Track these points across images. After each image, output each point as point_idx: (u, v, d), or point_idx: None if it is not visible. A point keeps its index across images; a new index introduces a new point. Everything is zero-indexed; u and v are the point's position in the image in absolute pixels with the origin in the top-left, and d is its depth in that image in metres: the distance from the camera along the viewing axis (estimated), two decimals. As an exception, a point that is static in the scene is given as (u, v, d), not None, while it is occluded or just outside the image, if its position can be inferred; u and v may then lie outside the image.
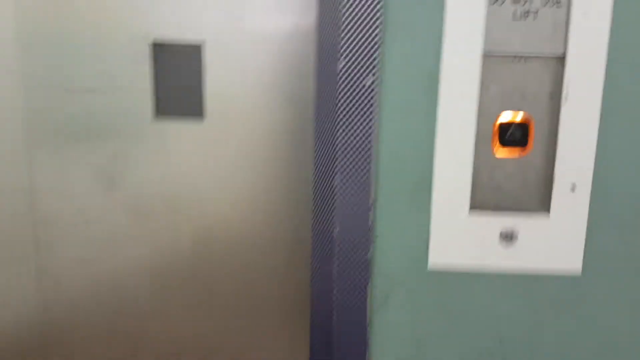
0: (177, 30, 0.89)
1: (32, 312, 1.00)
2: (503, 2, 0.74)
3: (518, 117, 0.77)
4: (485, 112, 0.77)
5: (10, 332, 1.01)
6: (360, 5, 0.74)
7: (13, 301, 1.00)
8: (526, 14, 0.74)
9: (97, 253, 0.98)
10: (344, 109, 0.77)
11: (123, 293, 1.00)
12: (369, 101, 0.76)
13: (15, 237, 0.98)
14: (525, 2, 0.74)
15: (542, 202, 0.79)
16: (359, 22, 0.74)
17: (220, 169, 0.94)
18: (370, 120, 0.75)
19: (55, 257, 0.98)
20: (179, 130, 0.93)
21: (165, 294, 1.00)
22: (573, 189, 0.77)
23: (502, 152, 0.78)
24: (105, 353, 1.02)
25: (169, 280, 1.00)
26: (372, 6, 0.73)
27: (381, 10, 0.72)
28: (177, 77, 0.92)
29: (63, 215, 0.96)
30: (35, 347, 1.02)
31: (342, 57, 0.76)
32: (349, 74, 0.76)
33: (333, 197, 0.79)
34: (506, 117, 0.77)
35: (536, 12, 0.74)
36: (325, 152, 0.80)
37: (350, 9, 0.74)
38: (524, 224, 0.79)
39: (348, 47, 0.75)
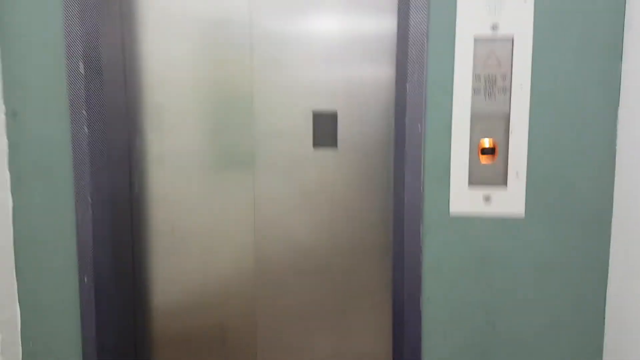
0: (324, 106, 1.86)
1: (250, 250, 1.98)
2: (479, 92, 1.66)
3: (490, 142, 1.68)
4: (474, 140, 1.68)
5: (235, 265, 1.99)
6: (417, 91, 1.68)
7: (237, 245, 1.98)
8: (490, 96, 1.66)
9: (282, 216, 1.95)
10: (409, 143, 1.70)
11: (293, 234, 1.96)
12: (419, 138, 1.69)
13: (240, 204, 1.96)
14: (491, 92, 1.66)
15: (503, 181, 1.68)
16: (420, 97, 1.68)
17: (347, 175, 1.90)
18: (420, 147, 1.69)
19: (263, 217, 1.96)
20: (324, 154, 1.90)
21: (313, 243, 1.95)
22: (517, 175, 1.67)
23: (483, 159, 1.69)
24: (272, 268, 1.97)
25: (320, 235, 1.94)
26: (421, 92, 1.67)
27: (425, 96, 1.66)
28: (324, 128, 1.88)
29: (270, 197, 1.94)
30: (249, 269, 1.99)
31: (407, 114, 1.69)
32: (410, 124, 1.69)
33: (404, 182, 1.72)
34: (484, 143, 1.68)
35: (495, 95, 1.66)
36: (399, 163, 1.73)
37: (413, 93, 1.68)
38: (495, 192, 1.68)
39: (411, 110, 1.69)
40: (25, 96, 1.76)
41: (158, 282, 2.01)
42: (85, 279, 1.82)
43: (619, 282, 1.60)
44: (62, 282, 1.85)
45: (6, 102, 1.77)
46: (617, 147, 1.61)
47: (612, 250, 1.64)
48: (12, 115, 1.77)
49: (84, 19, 1.68)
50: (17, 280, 1.87)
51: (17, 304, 1.88)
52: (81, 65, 1.69)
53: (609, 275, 1.66)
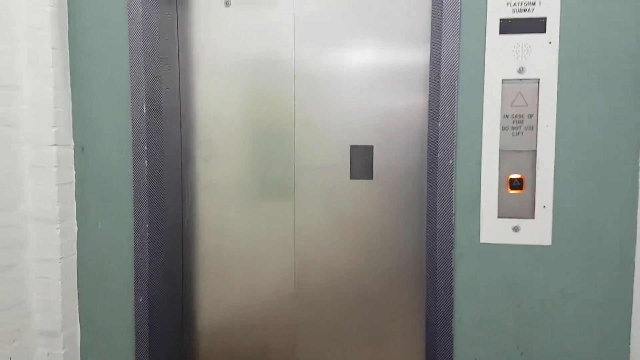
0: (360, 140, 2.01)
1: (291, 274, 2.12)
2: (507, 129, 1.79)
3: (519, 177, 1.80)
4: (502, 174, 1.80)
5: (277, 288, 2.13)
6: (449, 128, 1.81)
7: (279, 270, 2.13)
8: (518, 133, 1.79)
9: (321, 242, 2.09)
10: (441, 176, 1.83)
11: (331, 260, 2.09)
12: (451, 171, 1.82)
13: (282, 231, 2.11)
14: (518, 130, 1.78)
15: (531, 213, 1.80)
16: (451, 134, 1.81)
17: (382, 204, 2.03)
18: (452, 180, 1.82)
19: (303, 243, 2.10)
20: (361, 184, 2.04)
21: (350, 268, 2.08)
22: (544, 207, 1.78)
23: (511, 192, 1.81)
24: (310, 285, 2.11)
25: (357, 260, 2.08)
26: (452, 130, 1.81)
27: (456, 133, 1.80)
28: (360, 160, 2.03)
29: (310, 224, 2.09)
30: (290, 290, 2.13)
31: (439, 149, 1.83)
32: (442, 159, 1.83)
33: (436, 212, 1.85)
34: (512, 177, 1.80)
35: (523, 133, 1.79)
36: (432, 194, 1.87)
37: (444, 130, 1.82)
38: (523, 223, 1.80)
39: (443, 146, 1.82)
40: (92, 133, 1.96)
41: (205, 304, 2.16)
42: (141, 299, 1.98)
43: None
44: (120, 302, 2.02)
45: (75, 139, 1.97)
46: (640, 181, 1.71)
47: (636, 278, 1.73)
48: (80, 150, 1.97)
49: (148, 65, 1.88)
50: (79, 299, 2.04)
51: (78, 321, 2.05)
52: (144, 106, 1.88)
53: (634, 303, 1.75)
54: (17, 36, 1.84)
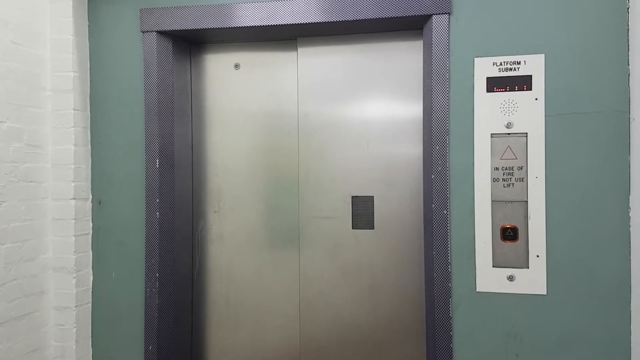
0: (361, 191, 2.11)
1: (296, 321, 2.18)
2: (498, 181, 1.87)
3: (511, 227, 1.86)
4: (495, 224, 1.87)
5: (282, 335, 2.19)
6: (442, 180, 1.90)
7: (284, 317, 2.19)
8: (509, 185, 1.86)
9: (325, 290, 2.15)
10: (436, 225, 1.90)
11: (335, 307, 2.15)
12: (445, 221, 1.89)
13: (287, 279, 2.18)
14: (509, 181, 1.86)
15: (525, 263, 1.85)
16: (444, 185, 1.90)
17: (383, 253, 2.11)
18: (446, 230, 1.89)
19: (307, 291, 2.17)
20: (362, 234, 2.12)
21: (352, 315, 2.13)
22: (538, 256, 1.83)
23: (505, 241, 1.87)
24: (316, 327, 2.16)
25: (359, 308, 2.13)
26: (445, 182, 1.89)
27: (449, 185, 1.88)
28: (362, 211, 2.12)
29: (314, 273, 2.16)
30: (295, 339, 2.18)
31: (434, 200, 1.91)
32: (437, 209, 1.90)
33: (433, 261, 1.91)
34: (505, 227, 1.87)
35: (513, 184, 1.86)
36: (428, 243, 1.93)
37: (438, 182, 1.90)
38: (518, 273, 1.85)
39: (437, 197, 1.90)
40: (109, 187, 2.10)
41: (213, 352, 2.22)
42: (150, 347, 2.06)
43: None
44: (130, 350, 2.10)
45: (93, 192, 2.11)
46: (631, 228, 1.75)
47: (633, 321, 1.75)
48: (97, 203, 2.10)
49: (162, 124, 2.04)
50: (92, 347, 2.13)
51: (91, 367, 2.14)
52: (157, 161, 2.02)
53: (632, 345, 1.75)
54: (44, 99, 2.01)
